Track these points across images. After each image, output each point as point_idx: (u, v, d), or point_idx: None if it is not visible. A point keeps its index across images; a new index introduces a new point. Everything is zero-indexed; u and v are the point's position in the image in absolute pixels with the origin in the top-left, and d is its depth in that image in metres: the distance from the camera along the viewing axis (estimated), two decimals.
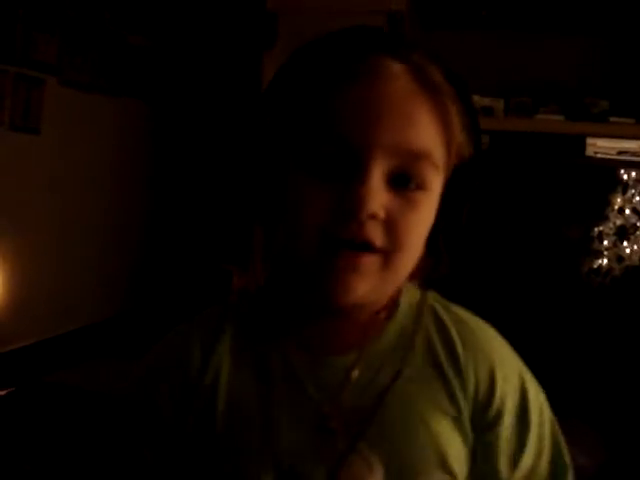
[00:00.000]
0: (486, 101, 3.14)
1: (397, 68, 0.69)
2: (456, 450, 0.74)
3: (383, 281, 0.70)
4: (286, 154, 0.70)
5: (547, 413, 0.79)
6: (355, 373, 0.74)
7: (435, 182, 0.70)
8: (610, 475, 2.48)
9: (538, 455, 0.78)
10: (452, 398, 0.75)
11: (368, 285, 0.68)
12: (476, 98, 3.13)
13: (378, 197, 0.66)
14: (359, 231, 0.66)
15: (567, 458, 0.79)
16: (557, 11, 3.21)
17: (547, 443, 0.79)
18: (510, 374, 0.78)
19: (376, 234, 0.67)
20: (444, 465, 0.73)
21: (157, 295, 4.36)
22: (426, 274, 0.77)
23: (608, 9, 3.11)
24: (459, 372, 0.75)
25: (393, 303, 0.78)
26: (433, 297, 0.81)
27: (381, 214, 0.67)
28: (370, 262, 0.68)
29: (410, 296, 0.79)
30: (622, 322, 3.00)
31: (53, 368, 3.39)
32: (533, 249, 3.09)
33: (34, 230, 3.52)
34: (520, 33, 3.39)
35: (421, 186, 0.69)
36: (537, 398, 0.79)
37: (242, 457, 0.72)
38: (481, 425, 0.75)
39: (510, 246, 3.09)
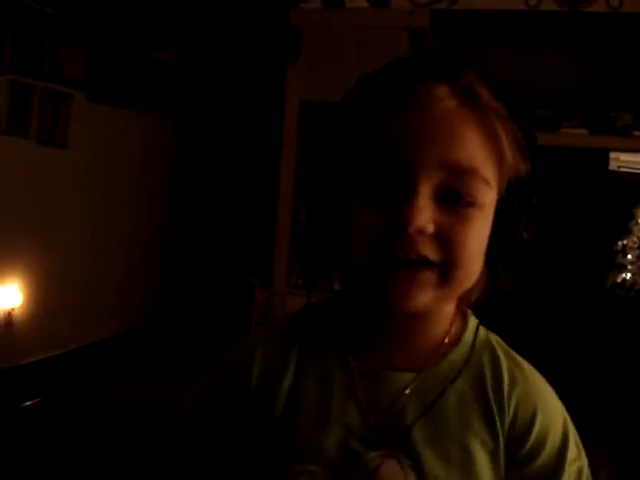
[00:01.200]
0: None
1: (443, 91, 0.71)
2: None
3: (442, 294, 0.73)
4: (346, 178, 0.74)
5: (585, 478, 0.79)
6: (407, 391, 0.77)
7: (487, 198, 0.73)
8: None
9: None
10: (491, 428, 0.77)
11: (427, 297, 0.71)
12: None
13: (425, 212, 0.69)
14: (410, 246, 0.69)
15: None
16: (580, 25, 3.21)
17: None
18: (552, 426, 0.78)
19: (428, 248, 0.70)
20: None
21: (181, 307, 4.38)
22: (486, 292, 0.79)
23: (631, 23, 3.10)
24: (500, 401, 0.78)
25: (457, 337, 0.81)
26: (496, 339, 0.83)
27: (429, 228, 0.69)
28: (427, 276, 0.71)
29: (476, 334, 0.82)
30: None
31: (78, 379, 3.42)
32: (557, 263, 3.07)
33: (60, 243, 3.57)
34: (542, 47, 3.39)
35: (472, 202, 0.71)
36: (577, 460, 0.79)
37: (293, 458, 0.77)
38: (512, 462, 0.77)
39: (533, 260, 3.08)
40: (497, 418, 0.77)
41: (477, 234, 0.72)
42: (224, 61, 4.50)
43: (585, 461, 0.79)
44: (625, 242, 3.02)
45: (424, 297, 0.71)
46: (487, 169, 0.72)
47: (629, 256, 3.02)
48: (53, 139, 3.46)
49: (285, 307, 3.30)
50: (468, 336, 0.81)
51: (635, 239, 3.01)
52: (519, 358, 0.83)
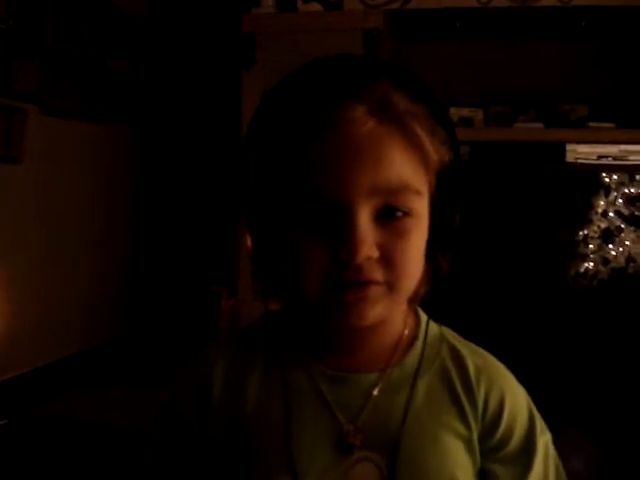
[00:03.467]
0: (465, 112, 3.16)
1: (360, 111, 0.71)
2: (465, 472, 0.78)
3: (391, 302, 0.75)
4: (281, 211, 0.74)
5: (552, 452, 0.83)
6: (375, 392, 0.78)
7: (420, 205, 0.74)
8: None
9: None
10: (463, 417, 0.79)
11: (377, 310, 0.73)
12: (454, 110, 3.15)
13: (369, 240, 0.70)
14: (359, 274, 0.71)
15: None
16: (531, 19, 3.24)
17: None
18: (519, 407, 0.82)
19: (375, 272, 0.71)
20: None
21: (148, 320, 4.34)
22: (428, 282, 0.81)
23: (582, 15, 3.15)
24: (470, 391, 0.80)
25: (413, 335, 0.83)
26: (449, 332, 0.86)
27: (375, 254, 0.71)
28: (376, 291, 0.72)
29: (430, 329, 0.84)
30: (611, 324, 3.01)
31: (45, 398, 3.36)
32: (520, 256, 3.10)
33: (18, 260, 3.51)
34: (495, 42, 3.42)
35: (408, 213, 0.73)
36: (543, 435, 0.82)
37: (264, 469, 0.76)
38: (487, 447, 0.79)
39: (496, 253, 3.11)
40: (468, 408, 0.79)
41: (417, 242, 0.75)
42: (179, 69, 4.47)
43: (549, 435, 0.83)
44: (586, 232, 3.06)
45: (376, 311, 0.73)
46: (417, 179, 0.73)
47: (590, 246, 3.05)
48: (7, 154, 3.40)
49: (252, 314, 3.28)
50: (423, 332, 0.84)
51: (595, 229, 3.05)
52: (476, 346, 0.86)
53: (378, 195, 0.70)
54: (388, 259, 0.71)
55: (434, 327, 0.85)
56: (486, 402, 0.80)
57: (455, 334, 0.86)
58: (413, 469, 0.76)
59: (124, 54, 4.27)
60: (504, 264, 3.11)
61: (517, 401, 0.82)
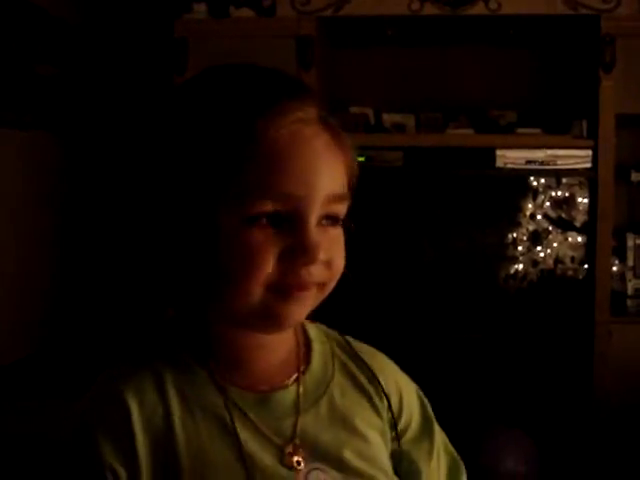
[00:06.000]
0: (397, 118, 3.20)
1: (311, 113, 0.72)
2: (387, 460, 0.81)
3: (315, 304, 0.76)
4: (219, 210, 0.71)
5: (436, 423, 0.89)
6: (301, 405, 0.78)
7: (344, 213, 0.76)
8: None
9: (445, 450, 0.88)
10: (375, 409, 0.82)
11: (307, 311, 0.75)
12: (387, 116, 3.19)
13: (320, 244, 0.71)
14: (309, 277, 0.71)
15: (458, 457, 0.90)
16: (461, 27, 3.30)
17: (442, 447, 0.88)
18: (410, 389, 0.87)
19: (320, 275, 0.73)
20: (386, 474, 0.80)
21: (62, 337, 4.24)
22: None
23: (510, 24, 3.22)
24: (372, 382, 0.83)
25: (307, 339, 0.84)
26: (326, 328, 0.87)
27: (323, 258, 0.72)
28: (311, 294, 0.73)
29: (314, 329, 0.85)
30: (541, 324, 3.09)
31: None
32: (452, 258, 3.16)
33: None
34: (427, 50, 3.47)
35: (337, 221, 0.75)
36: (429, 405, 0.88)
37: None
38: (396, 433, 0.83)
39: (429, 257, 3.16)
40: (376, 399, 0.82)
41: (343, 248, 0.76)
42: (111, 74, 4.40)
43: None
44: (515, 235, 3.13)
45: (306, 312, 0.75)
46: (346, 188, 0.75)
47: (520, 248, 3.13)
48: None
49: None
50: (313, 334, 0.84)
51: (524, 231, 3.13)
52: (355, 340, 0.87)
53: (326, 202, 0.72)
54: (329, 261, 0.73)
55: (312, 326, 0.85)
56: (388, 391, 0.83)
57: (329, 329, 0.87)
58: (358, 470, 0.77)
59: (53, 59, 4.18)
60: (437, 267, 3.16)
61: (407, 383, 0.87)
